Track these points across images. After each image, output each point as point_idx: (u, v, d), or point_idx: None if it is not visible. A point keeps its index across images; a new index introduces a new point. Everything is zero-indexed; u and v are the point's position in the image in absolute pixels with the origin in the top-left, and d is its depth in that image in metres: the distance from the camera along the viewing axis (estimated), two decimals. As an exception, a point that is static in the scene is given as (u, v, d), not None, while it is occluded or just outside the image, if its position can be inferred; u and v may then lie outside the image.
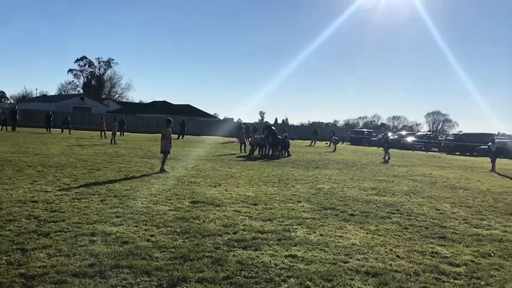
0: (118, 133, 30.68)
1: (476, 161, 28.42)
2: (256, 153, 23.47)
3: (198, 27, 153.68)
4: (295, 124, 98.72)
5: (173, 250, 5.46)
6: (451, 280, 4.93)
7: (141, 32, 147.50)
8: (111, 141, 26.03)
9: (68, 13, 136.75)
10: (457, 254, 5.99)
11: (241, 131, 27.83)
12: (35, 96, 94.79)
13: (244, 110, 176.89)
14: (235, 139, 37.33)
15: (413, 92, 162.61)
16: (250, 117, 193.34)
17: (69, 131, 37.02)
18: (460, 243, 6.61)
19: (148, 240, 5.83)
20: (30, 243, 5.39)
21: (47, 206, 7.51)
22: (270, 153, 23.52)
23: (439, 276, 5.02)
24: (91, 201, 8.15)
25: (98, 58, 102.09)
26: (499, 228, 7.75)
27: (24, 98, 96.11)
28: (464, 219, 8.44)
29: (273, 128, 25.63)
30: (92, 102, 75.83)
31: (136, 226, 6.54)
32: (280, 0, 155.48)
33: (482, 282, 4.91)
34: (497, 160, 22.16)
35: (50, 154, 16.88)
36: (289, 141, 25.17)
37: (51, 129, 37.52)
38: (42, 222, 6.42)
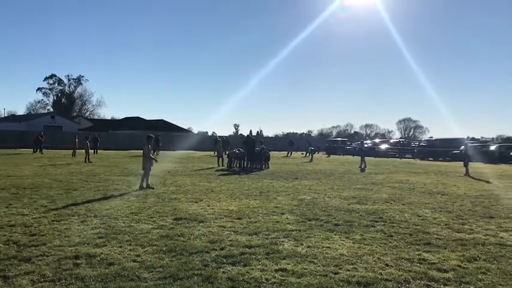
0: (92, 151, 30.17)
1: (450, 166, 29.02)
2: (234, 166, 23.42)
3: (167, 41, 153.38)
4: (269, 136, 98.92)
5: (161, 270, 5.34)
6: (442, 286, 4.96)
7: (111, 48, 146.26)
8: (85, 159, 25.57)
9: (34, 30, 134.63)
10: (444, 259, 6.05)
11: (219, 144, 27.73)
12: (3, 116, 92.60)
13: (218, 123, 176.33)
14: (211, 152, 37.24)
15: (384, 100, 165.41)
16: (224, 130, 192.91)
17: (41, 151, 36.17)
18: (445, 248, 6.69)
19: (134, 261, 5.69)
20: (11, 270, 5.18)
21: (26, 230, 7.27)
22: (248, 165, 23.51)
23: (429, 283, 5.05)
24: (71, 223, 7.93)
25: (68, 75, 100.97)
26: (480, 232, 7.88)
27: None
28: (446, 224, 8.56)
29: (253, 138, 25.70)
30: (62, 121, 74.54)
31: (120, 246, 6.38)
32: (248, 12, 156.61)
33: (471, 287, 4.96)
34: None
35: (23, 175, 16.44)
36: (269, 153, 25.19)
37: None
38: (22, 247, 6.20)
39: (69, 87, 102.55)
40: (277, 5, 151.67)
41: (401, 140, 64.50)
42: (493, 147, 38.90)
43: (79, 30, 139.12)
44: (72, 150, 32.14)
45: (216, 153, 27.83)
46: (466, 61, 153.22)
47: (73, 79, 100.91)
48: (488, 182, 18.00)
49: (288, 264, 5.68)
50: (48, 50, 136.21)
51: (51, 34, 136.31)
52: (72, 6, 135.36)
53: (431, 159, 40.32)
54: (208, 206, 10.27)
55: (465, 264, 5.82)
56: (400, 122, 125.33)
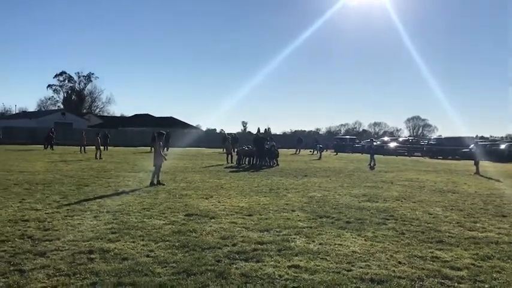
0: (102, 147, 30.34)
1: (459, 164, 28.84)
2: (243, 163, 23.47)
3: (176, 38, 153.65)
4: (277, 133, 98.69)
5: (174, 265, 5.37)
6: (456, 284, 4.95)
7: (120, 46, 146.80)
8: (96, 156, 25.72)
9: (45, 28, 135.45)
10: (457, 257, 6.03)
11: (228, 141, 27.79)
12: (14, 113, 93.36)
13: (226, 121, 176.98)
14: (220, 150, 37.32)
15: (392, 98, 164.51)
16: (232, 127, 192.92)
17: (52, 147, 36.43)
18: (457, 246, 6.66)
19: (148, 256, 5.73)
20: (27, 264, 5.24)
21: (40, 225, 7.34)
22: (258, 162, 23.54)
23: (443, 281, 5.03)
24: (84, 218, 8.00)
25: (78, 73, 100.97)
26: (493, 231, 7.83)
27: (3, 115, 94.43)
28: (457, 223, 8.52)
29: (261, 136, 25.74)
30: (73, 117, 74.83)
31: (133, 242, 6.43)
32: (255, 8, 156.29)
33: (486, 286, 4.93)
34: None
35: (35, 171, 16.59)
36: (278, 150, 25.21)
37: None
38: (36, 242, 6.27)
39: (79, 84, 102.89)
40: (285, 1, 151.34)
41: (410, 138, 64.16)
42: (502, 146, 38.57)
43: (89, 27, 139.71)
44: (79, 147, 32.34)
45: (225, 150, 27.86)
46: (475, 59, 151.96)
47: (83, 76, 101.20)
48: (498, 180, 17.87)
49: (301, 260, 5.69)
50: (59, 47, 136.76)
51: (61, 31, 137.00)
52: (82, 4, 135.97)
53: (441, 157, 40.11)
54: (218, 202, 10.30)
55: (479, 263, 5.80)
56: (408, 120, 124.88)
